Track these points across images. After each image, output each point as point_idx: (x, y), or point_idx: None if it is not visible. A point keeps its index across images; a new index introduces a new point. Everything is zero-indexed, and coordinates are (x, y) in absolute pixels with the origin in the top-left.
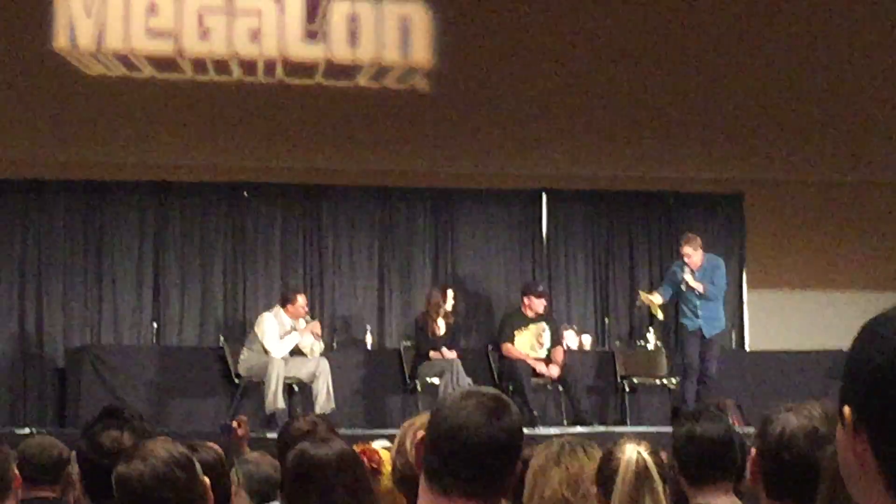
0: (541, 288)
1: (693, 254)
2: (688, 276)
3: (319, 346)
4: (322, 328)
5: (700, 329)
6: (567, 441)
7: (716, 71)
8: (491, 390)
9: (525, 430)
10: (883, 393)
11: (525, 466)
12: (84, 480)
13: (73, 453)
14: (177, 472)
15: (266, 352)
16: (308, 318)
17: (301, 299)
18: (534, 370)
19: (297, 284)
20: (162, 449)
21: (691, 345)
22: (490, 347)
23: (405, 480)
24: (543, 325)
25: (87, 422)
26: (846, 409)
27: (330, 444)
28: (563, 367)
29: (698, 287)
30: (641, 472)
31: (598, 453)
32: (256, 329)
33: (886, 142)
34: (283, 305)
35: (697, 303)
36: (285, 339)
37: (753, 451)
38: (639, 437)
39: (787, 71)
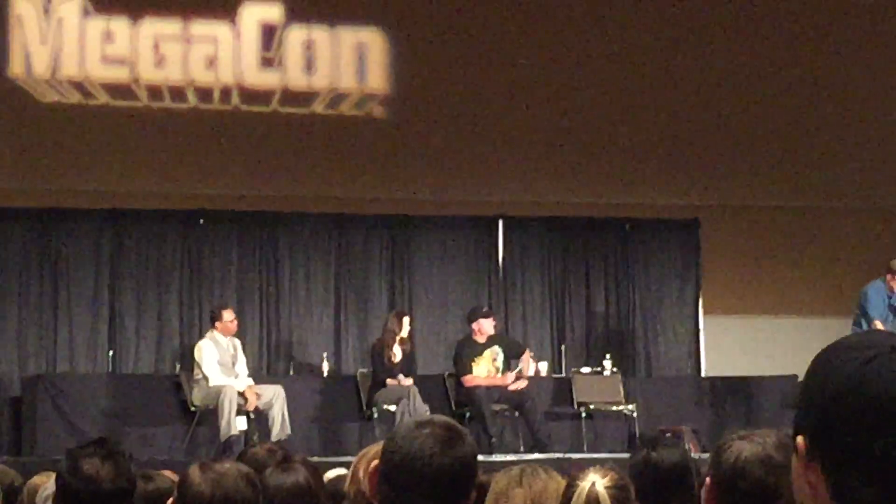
0: (485, 308)
1: None
2: None
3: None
4: (279, 355)
5: None
6: (528, 465)
7: (671, 98)
8: (444, 419)
9: (482, 457)
10: (835, 423)
11: (483, 492)
12: (56, 501)
13: (28, 481)
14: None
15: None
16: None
17: (227, 315)
18: (501, 388)
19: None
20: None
21: None
22: (447, 374)
23: None
24: (496, 348)
25: (78, 444)
26: (799, 439)
27: (290, 472)
28: (520, 391)
29: None
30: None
31: (558, 476)
32: (196, 358)
33: (841, 168)
34: (213, 324)
35: None
36: (227, 377)
37: (708, 480)
38: (610, 467)
39: (741, 98)
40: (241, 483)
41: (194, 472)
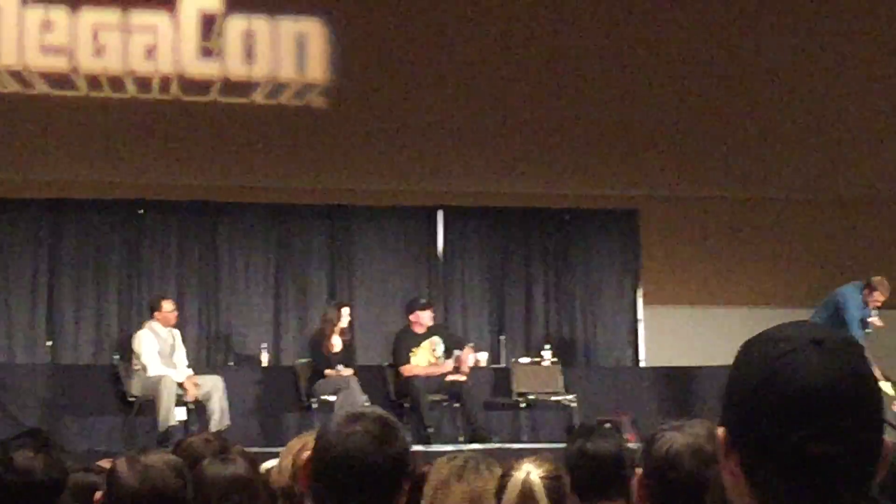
0: (423, 300)
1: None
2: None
3: (186, 370)
4: (218, 345)
5: None
6: (471, 457)
7: (609, 88)
8: (377, 413)
9: (421, 447)
10: (750, 416)
11: (420, 482)
12: None
13: None
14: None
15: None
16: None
17: (167, 305)
18: (439, 379)
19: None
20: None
21: None
22: (386, 364)
23: (285, 500)
24: (435, 338)
25: (10, 436)
26: (720, 431)
27: (228, 463)
28: (470, 369)
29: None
30: (526, 494)
31: (498, 472)
32: (135, 348)
33: (777, 158)
34: (152, 314)
35: None
36: (166, 367)
37: (639, 471)
38: (545, 457)
39: (679, 88)
40: (170, 475)
41: (121, 465)
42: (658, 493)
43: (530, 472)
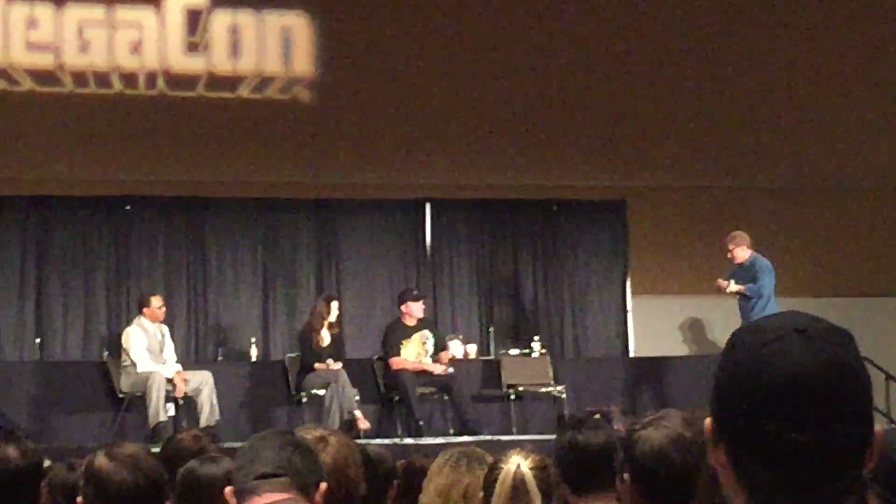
0: (416, 292)
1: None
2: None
3: (175, 366)
4: (207, 340)
5: None
6: (465, 452)
7: (596, 78)
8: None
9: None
10: (733, 405)
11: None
12: None
13: None
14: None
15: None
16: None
17: (156, 301)
18: (428, 373)
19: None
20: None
21: None
22: (375, 358)
23: None
24: (426, 332)
25: None
26: (707, 420)
27: (218, 463)
28: (452, 361)
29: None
30: (518, 486)
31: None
32: (124, 344)
33: (765, 148)
34: (141, 311)
35: None
36: (156, 363)
37: (626, 476)
38: (530, 449)
39: (666, 78)
40: (152, 462)
41: (100, 458)
42: (649, 492)
43: (520, 464)
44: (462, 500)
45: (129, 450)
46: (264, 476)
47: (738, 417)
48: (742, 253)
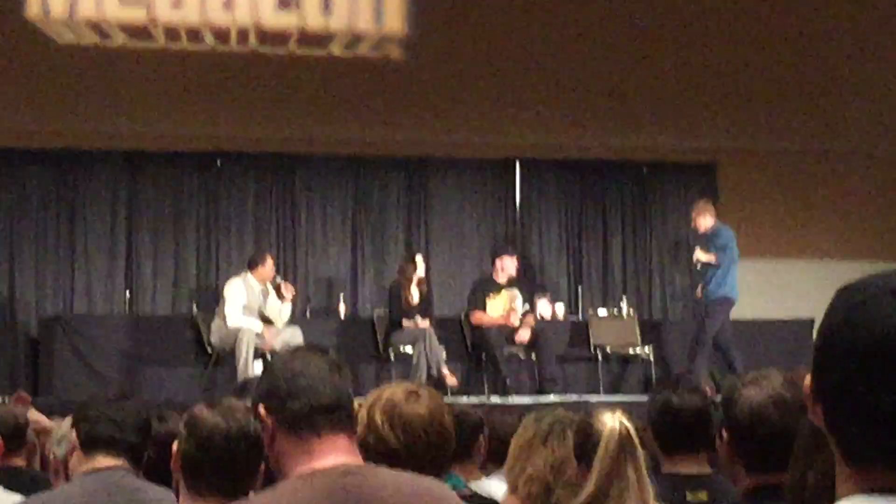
0: (511, 248)
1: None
2: None
3: (287, 311)
4: (295, 297)
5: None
6: (558, 419)
7: (687, 41)
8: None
9: (497, 399)
10: (828, 363)
11: (500, 433)
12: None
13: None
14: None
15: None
16: (279, 280)
17: (269, 262)
18: (511, 334)
19: (266, 247)
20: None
21: None
22: (463, 316)
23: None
24: (515, 291)
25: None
26: (807, 378)
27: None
28: (534, 332)
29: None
30: (624, 442)
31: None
32: (224, 293)
33: (858, 110)
34: (252, 268)
35: None
36: (247, 317)
37: (725, 434)
38: (612, 407)
39: (758, 40)
40: (249, 416)
41: (201, 409)
42: (747, 452)
43: (622, 420)
44: (551, 475)
45: (228, 402)
46: (321, 409)
47: (832, 378)
48: (705, 221)
